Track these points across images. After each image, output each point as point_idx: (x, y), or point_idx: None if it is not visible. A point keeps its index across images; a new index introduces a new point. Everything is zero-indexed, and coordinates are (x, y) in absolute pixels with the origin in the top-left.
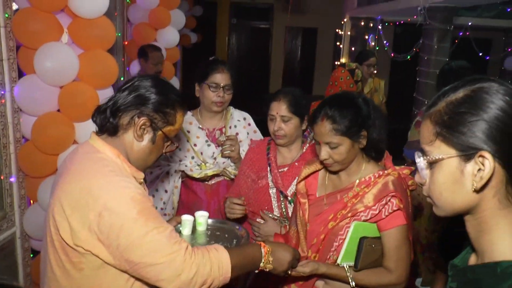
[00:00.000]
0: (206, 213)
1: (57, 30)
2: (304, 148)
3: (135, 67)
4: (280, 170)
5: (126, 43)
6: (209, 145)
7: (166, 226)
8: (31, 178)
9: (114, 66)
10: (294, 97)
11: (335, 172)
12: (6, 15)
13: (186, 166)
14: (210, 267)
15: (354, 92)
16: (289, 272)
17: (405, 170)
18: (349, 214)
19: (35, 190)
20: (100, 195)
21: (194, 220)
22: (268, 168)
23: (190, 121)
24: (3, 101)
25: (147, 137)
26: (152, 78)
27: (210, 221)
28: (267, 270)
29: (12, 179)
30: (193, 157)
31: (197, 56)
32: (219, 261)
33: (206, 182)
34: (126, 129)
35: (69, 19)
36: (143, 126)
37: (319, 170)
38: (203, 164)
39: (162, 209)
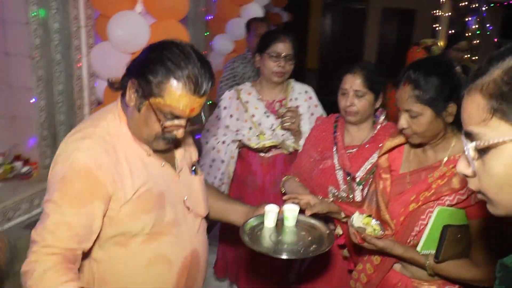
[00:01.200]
0: (296, 207)
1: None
2: (376, 129)
3: (217, 42)
4: (347, 151)
5: (209, 18)
6: (268, 116)
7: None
8: None
9: (184, 36)
10: (370, 71)
11: (419, 146)
12: None
13: (243, 135)
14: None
15: (453, 58)
16: (360, 243)
17: None
18: (433, 197)
19: None
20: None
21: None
22: (334, 148)
23: (249, 92)
24: (79, 64)
25: (135, 103)
26: (164, 43)
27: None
28: None
29: None
30: (250, 128)
31: None
32: None
33: (263, 154)
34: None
35: None
36: (131, 90)
37: (405, 143)
38: (261, 135)
39: (220, 179)
